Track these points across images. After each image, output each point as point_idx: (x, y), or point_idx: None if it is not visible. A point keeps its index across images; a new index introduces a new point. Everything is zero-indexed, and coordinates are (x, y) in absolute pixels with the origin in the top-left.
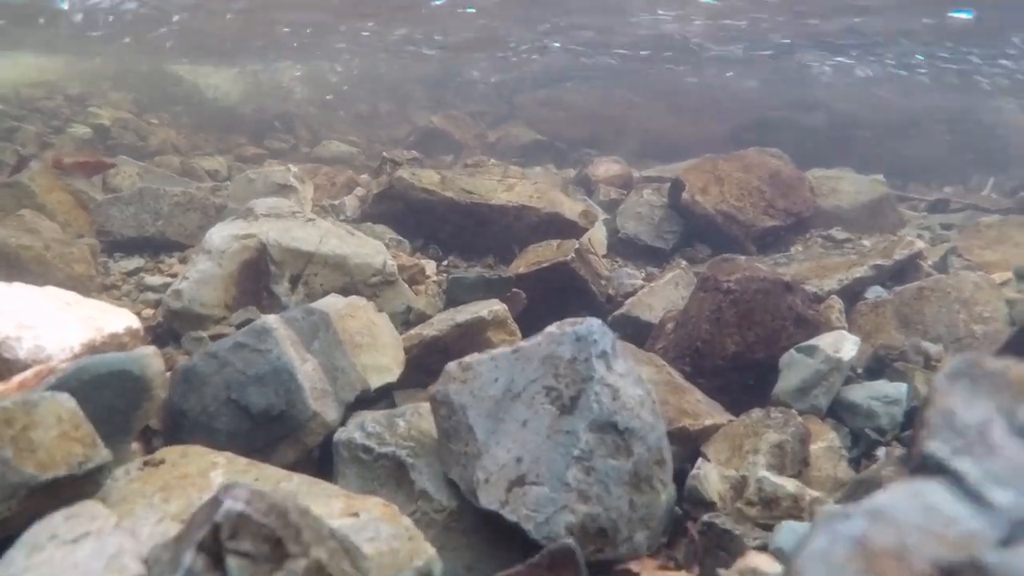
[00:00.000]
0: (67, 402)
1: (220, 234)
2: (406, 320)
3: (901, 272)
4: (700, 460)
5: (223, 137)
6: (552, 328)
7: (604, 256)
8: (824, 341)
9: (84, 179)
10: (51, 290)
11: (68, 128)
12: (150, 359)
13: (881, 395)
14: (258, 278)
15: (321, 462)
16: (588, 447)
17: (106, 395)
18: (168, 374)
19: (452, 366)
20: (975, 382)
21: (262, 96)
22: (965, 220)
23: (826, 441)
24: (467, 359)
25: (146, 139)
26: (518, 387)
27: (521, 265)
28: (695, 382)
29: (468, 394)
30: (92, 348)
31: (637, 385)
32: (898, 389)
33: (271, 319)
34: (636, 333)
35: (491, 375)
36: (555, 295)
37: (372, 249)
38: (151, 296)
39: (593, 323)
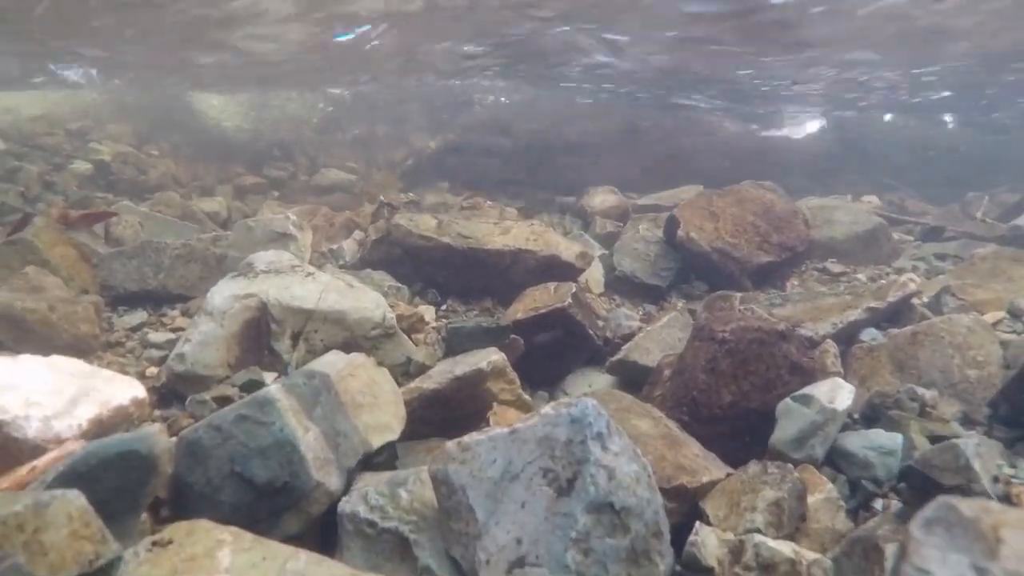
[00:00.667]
0: (76, 500)
1: (221, 294)
2: (406, 371)
3: (896, 313)
4: (698, 524)
5: (222, 167)
6: (548, 409)
7: (601, 294)
8: (819, 390)
9: (87, 231)
10: (56, 361)
11: (69, 165)
12: (156, 437)
13: (877, 445)
14: (259, 337)
15: (324, 529)
16: (585, 529)
17: (115, 476)
18: (174, 440)
19: (451, 446)
20: (950, 531)
21: (260, 122)
22: (959, 249)
23: (824, 492)
24: (466, 439)
25: (146, 172)
26: (516, 468)
27: (519, 310)
28: (692, 431)
29: (468, 475)
30: (99, 424)
31: (633, 461)
32: (893, 440)
33: (273, 390)
34: (634, 377)
35: (489, 456)
36: (553, 339)
37: (371, 302)
38: (155, 353)
39: (587, 404)
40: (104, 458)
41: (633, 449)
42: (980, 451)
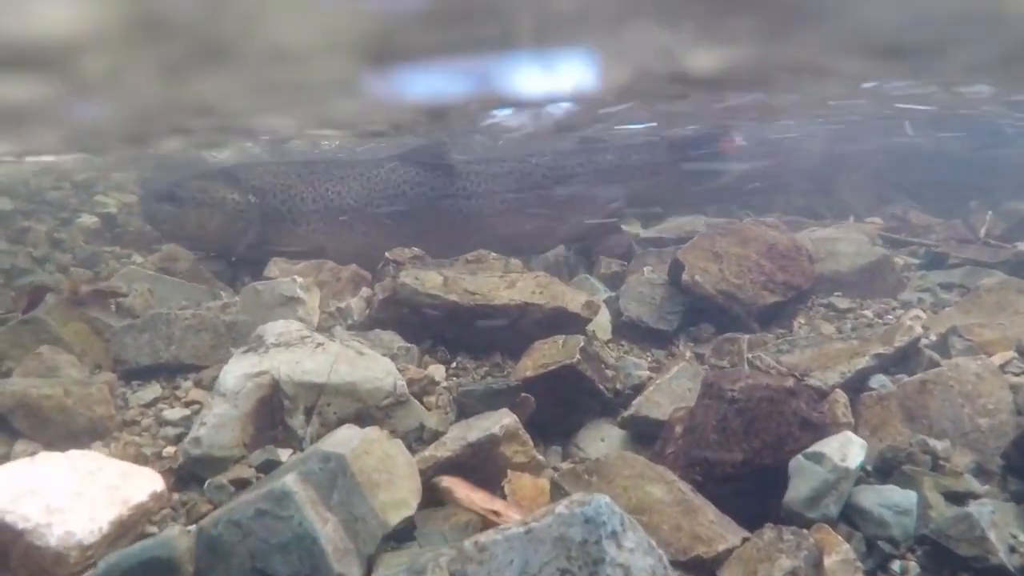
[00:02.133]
0: None
1: (233, 374)
2: (419, 437)
3: (904, 357)
4: None
5: None
6: (561, 508)
7: (608, 340)
8: (830, 447)
9: (99, 307)
10: (74, 458)
11: (76, 219)
12: (177, 540)
13: (891, 504)
14: (273, 413)
15: None
16: None
17: None
18: (193, 529)
19: (468, 545)
20: None
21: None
22: (965, 278)
23: (840, 554)
24: (482, 539)
25: None
26: (533, 569)
27: (528, 367)
28: (706, 491)
29: (486, 575)
30: (120, 525)
31: (648, 555)
32: (908, 498)
33: (289, 481)
34: (646, 431)
35: (506, 557)
36: (563, 394)
37: (382, 371)
38: (171, 431)
39: (601, 503)
40: (127, 569)
41: (648, 542)
42: (995, 519)
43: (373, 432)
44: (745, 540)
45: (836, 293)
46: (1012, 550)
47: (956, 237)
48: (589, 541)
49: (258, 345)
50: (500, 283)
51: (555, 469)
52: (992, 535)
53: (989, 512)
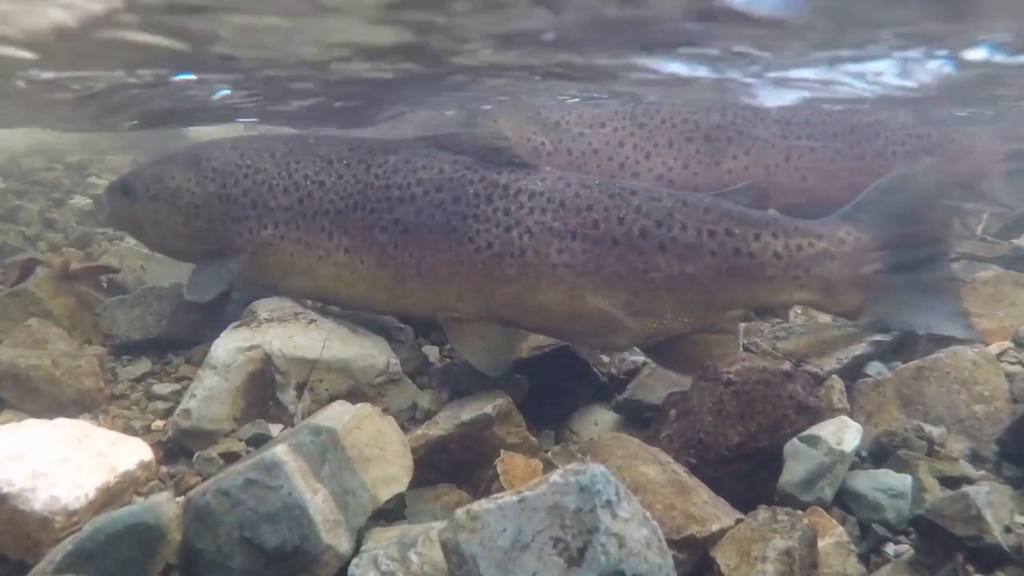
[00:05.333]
0: None
1: (225, 347)
2: (412, 417)
3: (900, 344)
4: None
5: None
6: (556, 477)
7: None
8: (826, 430)
9: (90, 282)
10: (61, 425)
11: (69, 200)
12: (163, 507)
13: (886, 487)
14: (264, 388)
15: None
16: None
17: (124, 549)
18: (181, 500)
19: (460, 514)
20: None
21: None
22: (961, 272)
23: (834, 536)
24: (474, 507)
25: None
26: (526, 538)
27: (523, 348)
28: (700, 473)
29: (478, 544)
30: (107, 491)
31: (643, 526)
32: (903, 482)
33: (280, 452)
34: (641, 415)
35: (499, 525)
36: (558, 377)
37: (375, 348)
38: (160, 406)
39: (596, 472)
40: (112, 533)
41: (643, 513)
42: (991, 500)
43: (365, 408)
44: (739, 521)
45: None
46: (1008, 530)
47: (952, 235)
48: (583, 510)
49: (251, 320)
50: None
51: (548, 451)
52: (988, 515)
53: (986, 493)
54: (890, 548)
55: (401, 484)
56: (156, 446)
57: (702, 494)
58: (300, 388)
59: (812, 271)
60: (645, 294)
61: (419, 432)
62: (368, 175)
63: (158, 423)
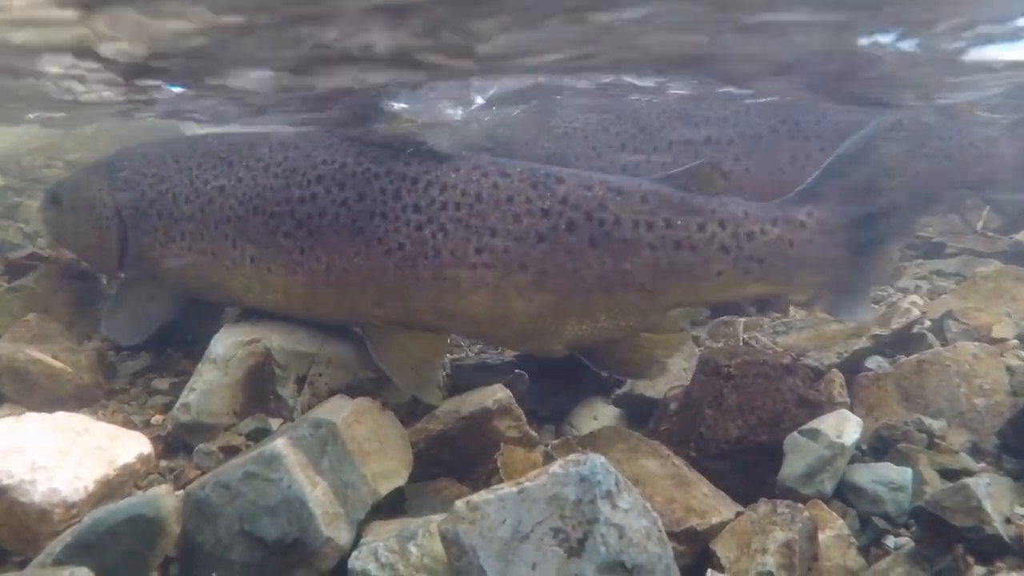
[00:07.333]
0: None
1: (224, 341)
2: (412, 411)
3: (900, 339)
4: (710, 572)
5: None
6: (556, 468)
7: None
8: (826, 424)
9: (90, 278)
10: (61, 418)
11: None
12: (163, 499)
13: (886, 480)
14: (264, 382)
15: None
16: None
17: (123, 542)
18: (180, 494)
19: (460, 505)
20: None
21: None
22: (962, 266)
23: (834, 529)
24: (474, 498)
25: None
26: (526, 528)
27: None
28: (700, 467)
29: (477, 535)
30: (106, 484)
31: (642, 516)
32: (903, 475)
33: (280, 445)
34: (640, 409)
35: (499, 516)
36: (559, 371)
37: None
38: (159, 400)
39: (596, 462)
40: (112, 525)
41: (643, 504)
42: (991, 491)
43: (365, 402)
44: (739, 514)
45: None
46: (1007, 521)
47: (952, 231)
48: (583, 500)
49: (250, 313)
50: None
51: (547, 445)
52: (988, 506)
53: (986, 484)
54: (890, 540)
55: (401, 478)
56: (156, 440)
57: (702, 487)
58: (300, 382)
59: (767, 262)
60: (576, 296)
61: (419, 426)
62: (267, 175)
63: (158, 417)
